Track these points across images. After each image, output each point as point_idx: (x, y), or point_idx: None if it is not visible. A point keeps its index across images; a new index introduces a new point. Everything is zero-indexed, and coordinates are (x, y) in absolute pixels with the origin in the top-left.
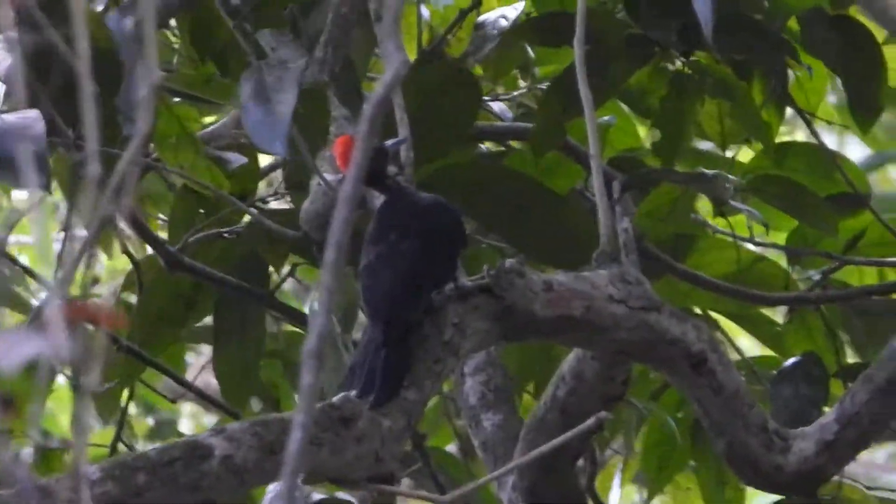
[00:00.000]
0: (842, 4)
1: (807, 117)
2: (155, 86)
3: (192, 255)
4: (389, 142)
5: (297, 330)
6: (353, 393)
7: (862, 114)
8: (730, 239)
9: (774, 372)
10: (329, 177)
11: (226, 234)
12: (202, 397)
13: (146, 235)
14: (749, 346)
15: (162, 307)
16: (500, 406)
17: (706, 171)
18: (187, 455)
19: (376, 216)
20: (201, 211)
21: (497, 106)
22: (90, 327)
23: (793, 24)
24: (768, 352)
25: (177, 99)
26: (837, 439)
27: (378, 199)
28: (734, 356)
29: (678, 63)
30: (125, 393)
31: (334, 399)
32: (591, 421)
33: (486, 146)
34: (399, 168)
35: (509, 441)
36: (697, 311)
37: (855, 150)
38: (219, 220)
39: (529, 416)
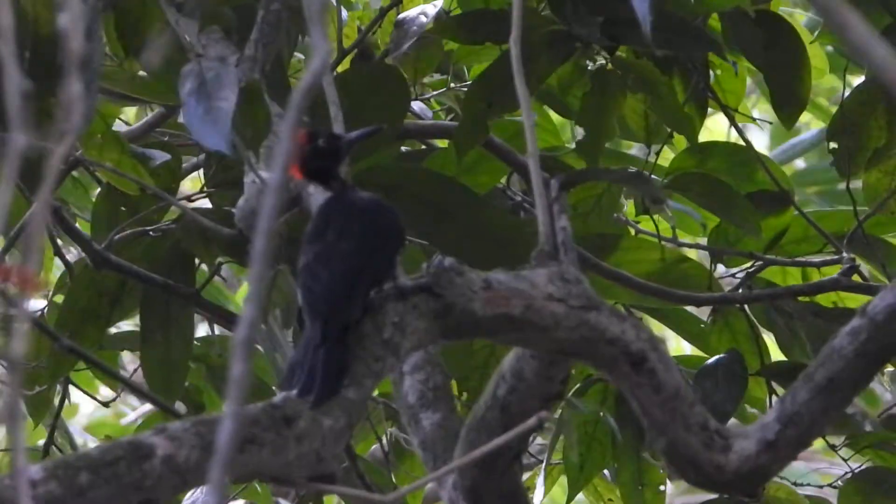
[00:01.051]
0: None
1: (730, 113)
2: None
3: (116, 253)
4: (356, 133)
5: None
6: (294, 392)
7: (785, 109)
8: (653, 238)
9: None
10: (265, 174)
11: (151, 232)
12: (139, 394)
13: (72, 233)
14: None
15: (87, 305)
16: (439, 405)
17: (631, 168)
18: (130, 454)
19: (315, 215)
20: (122, 209)
21: (417, 105)
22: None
23: (715, 21)
24: (691, 349)
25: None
26: (779, 439)
27: (313, 197)
28: None
29: (599, 59)
30: (57, 394)
31: (275, 398)
32: (531, 420)
33: (408, 145)
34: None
35: (449, 440)
36: (619, 307)
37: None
38: (142, 218)
39: (469, 414)
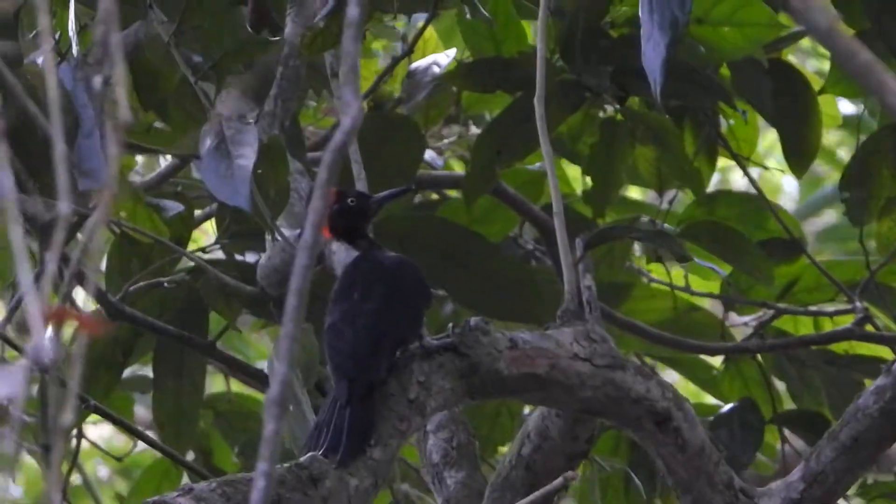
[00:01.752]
0: (774, 48)
1: (742, 162)
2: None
3: (131, 304)
4: (384, 193)
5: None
6: (320, 452)
7: (796, 159)
8: (665, 287)
9: (711, 419)
10: (287, 233)
11: (165, 283)
12: (153, 446)
13: (89, 285)
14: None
15: (101, 353)
16: (463, 463)
17: (643, 217)
18: None
19: (341, 275)
20: (134, 259)
21: (428, 154)
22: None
23: (725, 71)
24: (704, 397)
25: None
26: (803, 498)
27: (337, 254)
28: None
29: (609, 109)
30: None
31: (301, 458)
32: (557, 481)
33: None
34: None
35: (473, 498)
36: (632, 356)
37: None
38: (155, 269)
39: (494, 473)
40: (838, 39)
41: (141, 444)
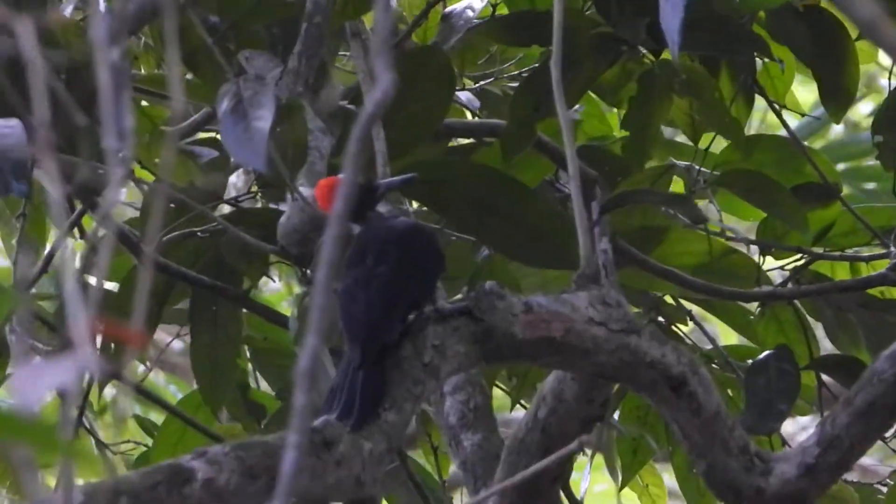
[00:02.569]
0: None
1: (777, 109)
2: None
3: (165, 253)
4: (391, 180)
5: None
6: (334, 416)
7: (833, 103)
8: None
9: (749, 361)
10: (305, 192)
11: (199, 233)
12: (182, 419)
13: (120, 235)
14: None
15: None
16: (479, 425)
17: (678, 162)
18: (170, 479)
19: (354, 240)
20: (172, 205)
21: (464, 95)
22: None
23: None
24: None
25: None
26: (819, 463)
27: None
28: (706, 344)
29: (646, 61)
30: None
31: (315, 422)
32: (572, 444)
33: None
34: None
35: (489, 460)
36: (668, 298)
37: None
38: (191, 217)
39: (510, 436)
40: (884, 32)
41: None
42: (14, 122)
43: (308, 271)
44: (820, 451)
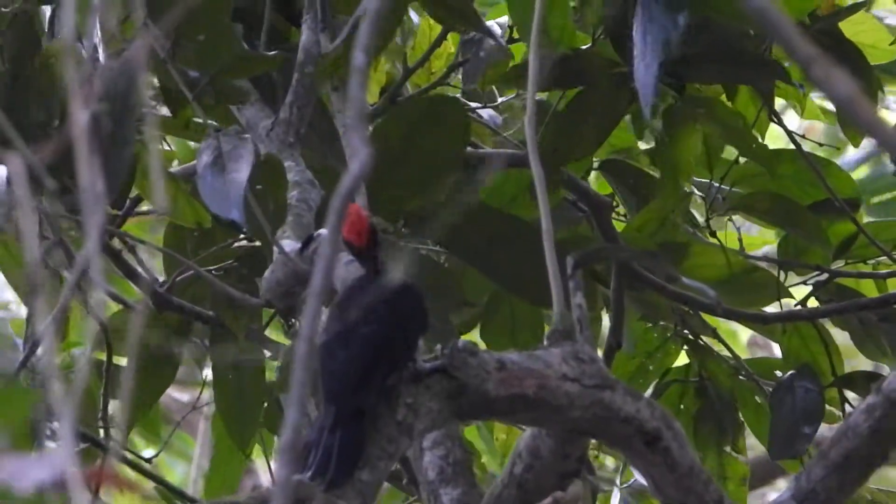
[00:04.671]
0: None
1: (796, 138)
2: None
3: (185, 289)
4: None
5: None
6: (308, 474)
7: (853, 128)
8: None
9: (777, 373)
10: (287, 246)
11: (213, 271)
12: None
13: (132, 275)
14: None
15: (156, 347)
16: (458, 480)
17: (698, 180)
18: None
19: (342, 292)
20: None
21: (486, 113)
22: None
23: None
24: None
25: None
26: None
27: (337, 269)
28: (727, 355)
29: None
30: None
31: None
32: (547, 500)
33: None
34: None
35: None
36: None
37: None
38: (210, 254)
39: (487, 493)
40: (860, 108)
41: None
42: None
43: (292, 324)
44: None
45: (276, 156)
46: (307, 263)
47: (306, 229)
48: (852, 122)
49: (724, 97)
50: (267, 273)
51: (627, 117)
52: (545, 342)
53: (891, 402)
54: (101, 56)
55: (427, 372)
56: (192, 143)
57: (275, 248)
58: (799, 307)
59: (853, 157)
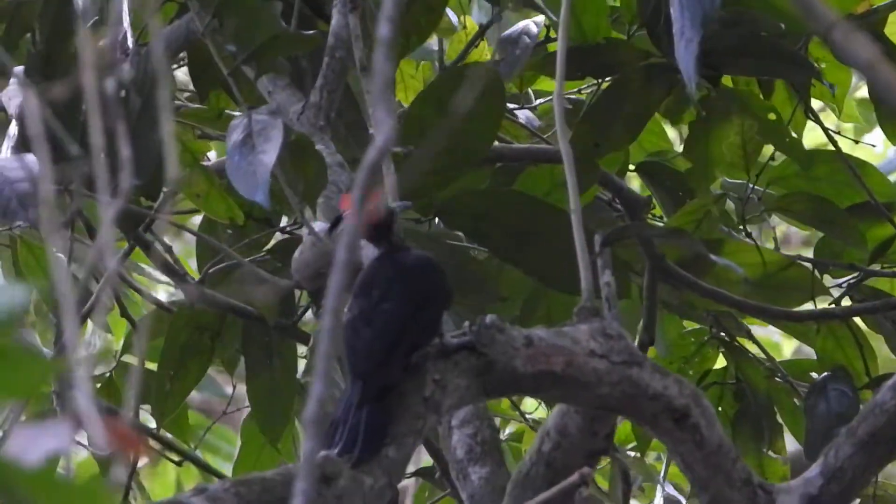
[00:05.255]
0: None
1: (832, 136)
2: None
3: (218, 282)
4: (400, 203)
5: None
6: (335, 451)
7: (890, 122)
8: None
9: (812, 374)
10: (318, 227)
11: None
12: (204, 469)
13: (168, 269)
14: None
15: (188, 341)
16: (487, 459)
17: (733, 181)
18: None
19: (364, 270)
20: (229, 231)
21: (523, 114)
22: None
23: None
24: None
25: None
26: (822, 493)
27: (366, 248)
28: (761, 354)
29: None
30: None
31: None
32: (574, 476)
33: None
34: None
35: (496, 494)
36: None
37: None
38: (242, 246)
39: (515, 470)
40: (881, 72)
41: None
42: (29, 157)
43: (321, 307)
44: (823, 483)
45: (307, 135)
46: (336, 244)
47: (335, 211)
48: (874, 89)
49: (758, 92)
50: (296, 254)
51: (662, 121)
52: (573, 318)
53: None
54: (129, 39)
55: (454, 348)
56: None
57: (303, 230)
58: (833, 306)
59: (891, 159)
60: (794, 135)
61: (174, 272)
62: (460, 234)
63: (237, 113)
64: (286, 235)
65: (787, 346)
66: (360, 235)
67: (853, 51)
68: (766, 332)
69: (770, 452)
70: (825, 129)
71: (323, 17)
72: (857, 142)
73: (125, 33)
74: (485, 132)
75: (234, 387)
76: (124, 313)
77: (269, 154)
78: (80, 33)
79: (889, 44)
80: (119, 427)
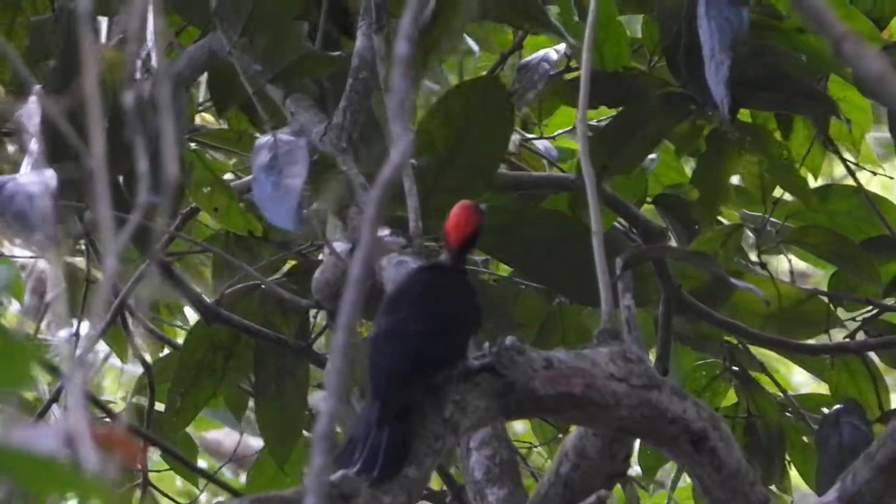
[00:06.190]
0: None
1: (851, 168)
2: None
3: (231, 306)
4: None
5: None
6: (353, 469)
7: None
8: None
9: (823, 410)
10: (339, 247)
11: (262, 285)
12: (219, 484)
13: (183, 289)
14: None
15: (202, 359)
16: (505, 480)
17: (750, 213)
18: None
19: (396, 285)
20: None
21: (542, 144)
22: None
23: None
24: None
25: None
26: None
27: (386, 270)
28: (774, 389)
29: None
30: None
31: (333, 476)
32: (591, 498)
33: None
34: (408, 239)
35: None
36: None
37: None
38: (259, 267)
39: (534, 492)
40: (891, 86)
41: None
42: (49, 172)
43: None
44: None
45: (331, 155)
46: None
47: (355, 232)
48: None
49: (773, 127)
50: (317, 273)
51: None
52: (593, 341)
53: None
54: (154, 58)
55: (475, 370)
56: None
57: (325, 250)
58: (848, 340)
59: None
60: (801, 175)
61: (190, 292)
62: (475, 258)
63: (257, 135)
64: (301, 257)
65: (794, 380)
66: (454, 243)
67: (864, 63)
68: (775, 364)
69: (777, 489)
70: (843, 161)
71: (350, 35)
72: (874, 173)
73: (148, 51)
74: (494, 146)
75: (242, 434)
76: (137, 354)
77: (297, 179)
78: (84, 44)
79: None
80: (116, 435)
